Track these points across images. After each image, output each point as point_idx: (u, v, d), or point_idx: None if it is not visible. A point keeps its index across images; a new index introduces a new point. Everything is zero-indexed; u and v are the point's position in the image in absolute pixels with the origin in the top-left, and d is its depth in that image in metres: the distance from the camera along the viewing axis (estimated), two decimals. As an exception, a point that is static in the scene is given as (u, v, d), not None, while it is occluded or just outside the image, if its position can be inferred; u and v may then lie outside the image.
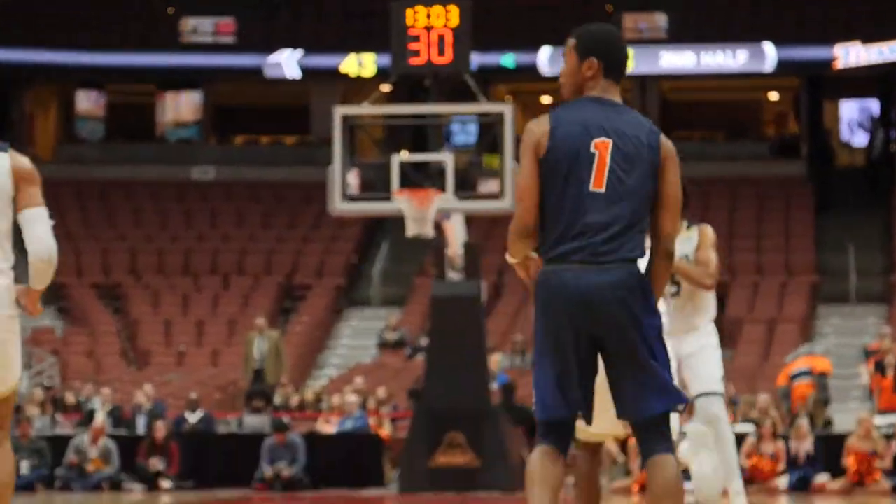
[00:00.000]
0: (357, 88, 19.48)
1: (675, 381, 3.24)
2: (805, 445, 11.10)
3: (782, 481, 11.02)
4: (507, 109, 10.82)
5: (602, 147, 3.14)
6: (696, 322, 5.17)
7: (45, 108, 21.85)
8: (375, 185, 10.72)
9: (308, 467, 11.66)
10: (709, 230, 5.30)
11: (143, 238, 19.32)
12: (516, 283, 17.67)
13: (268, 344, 13.94)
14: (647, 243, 3.25)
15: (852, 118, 21.70)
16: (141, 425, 12.97)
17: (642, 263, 3.20)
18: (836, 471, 10.99)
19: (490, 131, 11.10)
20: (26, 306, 3.54)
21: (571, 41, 3.28)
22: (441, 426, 10.63)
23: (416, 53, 10.71)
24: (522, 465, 11.30)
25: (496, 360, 13.06)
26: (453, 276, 10.92)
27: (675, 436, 4.51)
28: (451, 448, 10.64)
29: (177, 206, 20.11)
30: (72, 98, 21.70)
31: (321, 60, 20.15)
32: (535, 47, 19.65)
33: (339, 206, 10.78)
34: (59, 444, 12.07)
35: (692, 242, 5.26)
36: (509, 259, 3.25)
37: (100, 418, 12.40)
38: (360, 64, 19.61)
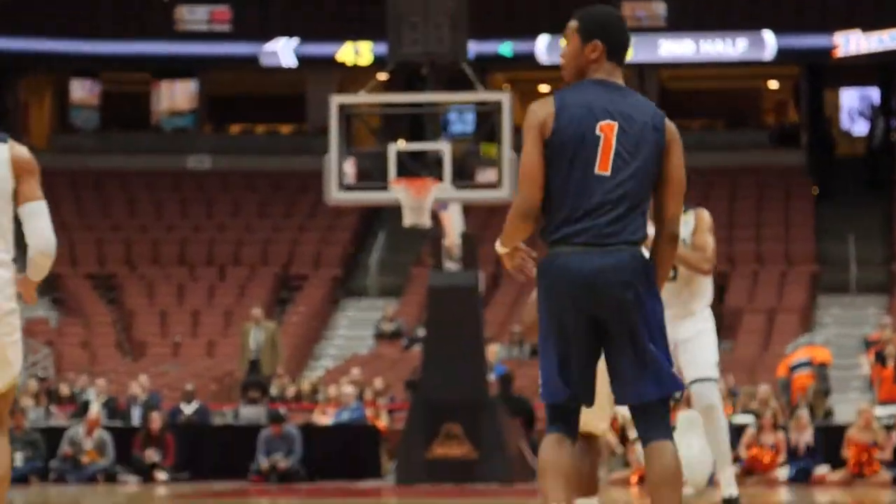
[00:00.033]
0: (353, 77, 19.37)
1: (674, 368, 3.22)
2: (805, 437, 11.04)
3: (782, 473, 10.97)
4: (504, 98, 10.75)
5: (608, 129, 3.14)
6: (693, 307, 5.14)
7: (39, 97, 21.71)
8: (372, 175, 10.66)
9: (304, 459, 11.60)
10: (705, 214, 5.27)
11: (138, 228, 19.22)
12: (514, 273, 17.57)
13: (264, 334, 13.86)
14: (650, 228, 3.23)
15: (853, 107, 21.61)
16: (136, 417, 12.89)
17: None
18: (837, 462, 10.94)
19: (488, 120, 11.03)
20: (22, 295, 3.56)
21: (573, 23, 3.25)
22: (438, 417, 10.57)
23: (413, 41, 10.60)
24: (520, 456, 11.30)
25: (494, 351, 13.00)
26: (451, 266, 10.85)
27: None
28: (449, 439, 10.58)
29: (172, 196, 20.00)
30: (66, 87, 21.56)
31: (317, 49, 20.03)
32: (532, 35, 19.53)
33: (335, 195, 10.72)
34: (53, 435, 12.00)
35: (688, 226, 5.23)
36: (499, 248, 3.24)
37: (95, 410, 12.32)
38: (356, 52, 19.50)
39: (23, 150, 3.54)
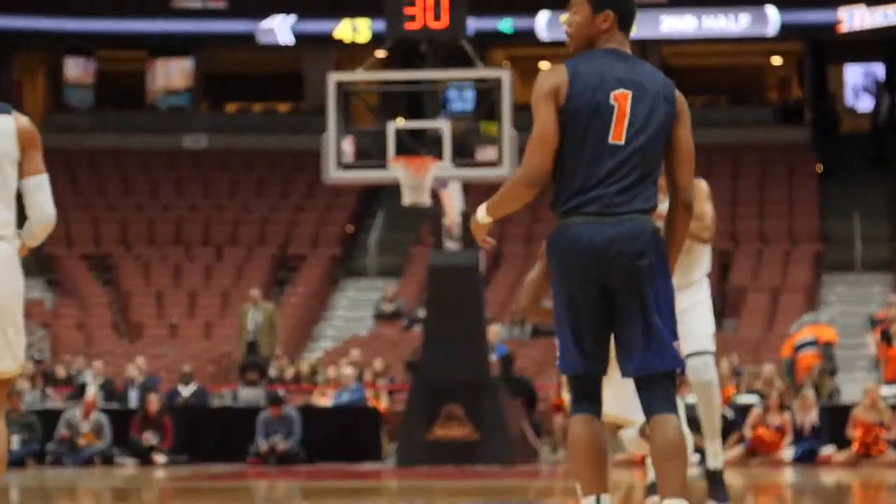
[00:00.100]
0: (351, 54, 19.16)
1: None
2: (810, 417, 10.93)
3: (787, 453, 10.86)
4: (504, 75, 10.64)
5: (622, 98, 3.16)
6: (693, 276, 5.15)
7: (32, 75, 21.49)
8: (371, 153, 10.55)
9: (304, 441, 11.50)
10: (702, 183, 5.24)
11: (133, 208, 19.05)
12: (516, 252, 17.45)
13: (262, 315, 13.74)
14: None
15: (857, 83, 21.40)
16: (133, 399, 12.78)
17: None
18: (842, 442, 10.83)
19: (487, 98, 10.90)
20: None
21: None
22: (439, 398, 10.49)
23: (412, 18, 10.49)
24: (522, 437, 11.21)
25: (495, 331, 12.88)
26: (451, 245, 10.74)
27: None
28: (450, 421, 10.49)
29: (168, 176, 19.82)
30: (60, 65, 21.33)
31: (315, 26, 19.80)
32: (532, 12, 19.32)
33: (333, 174, 10.60)
34: (49, 418, 11.90)
35: None
36: (482, 217, 3.21)
37: (91, 392, 12.21)
38: (354, 29, 19.28)
39: (27, 122, 3.55)
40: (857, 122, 21.13)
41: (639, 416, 4.38)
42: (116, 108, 21.16)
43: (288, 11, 19.95)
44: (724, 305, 15.89)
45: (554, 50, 19.68)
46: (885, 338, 12.01)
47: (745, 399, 11.62)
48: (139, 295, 17.35)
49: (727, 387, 11.69)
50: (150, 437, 11.72)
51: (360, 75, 11.32)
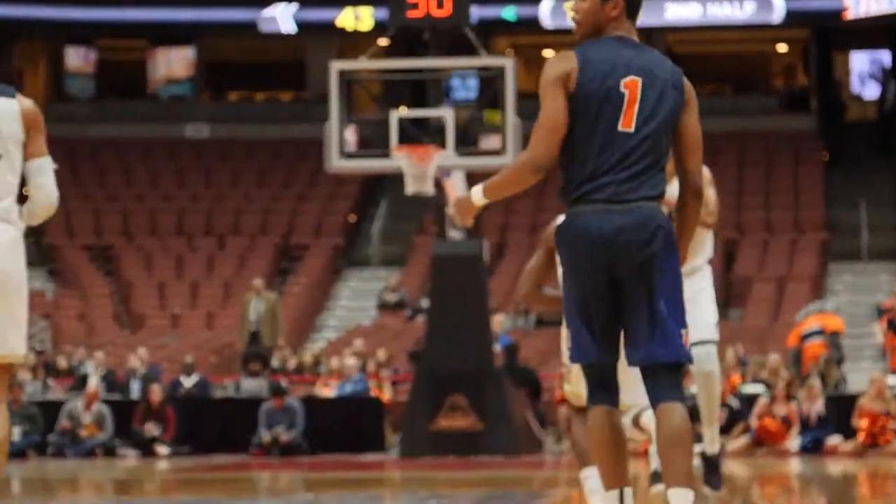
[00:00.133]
0: (354, 43, 19.05)
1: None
2: (817, 406, 10.86)
3: (793, 443, 10.80)
4: (508, 63, 10.57)
5: (632, 86, 3.16)
6: (697, 262, 5.14)
7: (33, 64, 21.40)
8: (374, 142, 10.49)
9: (307, 432, 11.45)
10: (705, 170, 5.15)
11: (135, 198, 18.98)
12: (520, 242, 17.36)
13: (265, 306, 13.68)
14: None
15: (863, 70, 21.27)
16: (135, 390, 12.74)
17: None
18: (849, 432, 10.77)
19: (491, 86, 10.82)
20: None
21: None
22: (443, 389, 10.44)
23: (415, 6, 10.44)
24: (526, 427, 11.15)
25: (499, 321, 12.82)
26: (454, 234, 10.67)
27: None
28: (453, 411, 10.44)
29: (170, 165, 19.75)
30: (61, 54, 21.24)
31: (317, 14, 19.70)
32: (536, 0, 19.20)
33: (336, 163, 10.54)
34: (51, 409, 11.86)
35: None
36: (477, 199, 3.20)
37: (93, 383, 12.16)
38: (356, 17, 19.18)
39: (31, 104, 3.59)
40: (863, 110, 21.01)
41: (636, 400, 4.33)
42: (117, 97, 21.09)
43: (290, 0, 19.86)
44: (731, 295, 15.81)
45: (558, 38, 19.56)
46: (892, 327, 11.94)
47: (750, 389, 11.56)
48: (141, 285, 17.29)
49: (733, 376, 11.62)
50: (152, 429, 11.68)
51: (362, 64, 11.25)
